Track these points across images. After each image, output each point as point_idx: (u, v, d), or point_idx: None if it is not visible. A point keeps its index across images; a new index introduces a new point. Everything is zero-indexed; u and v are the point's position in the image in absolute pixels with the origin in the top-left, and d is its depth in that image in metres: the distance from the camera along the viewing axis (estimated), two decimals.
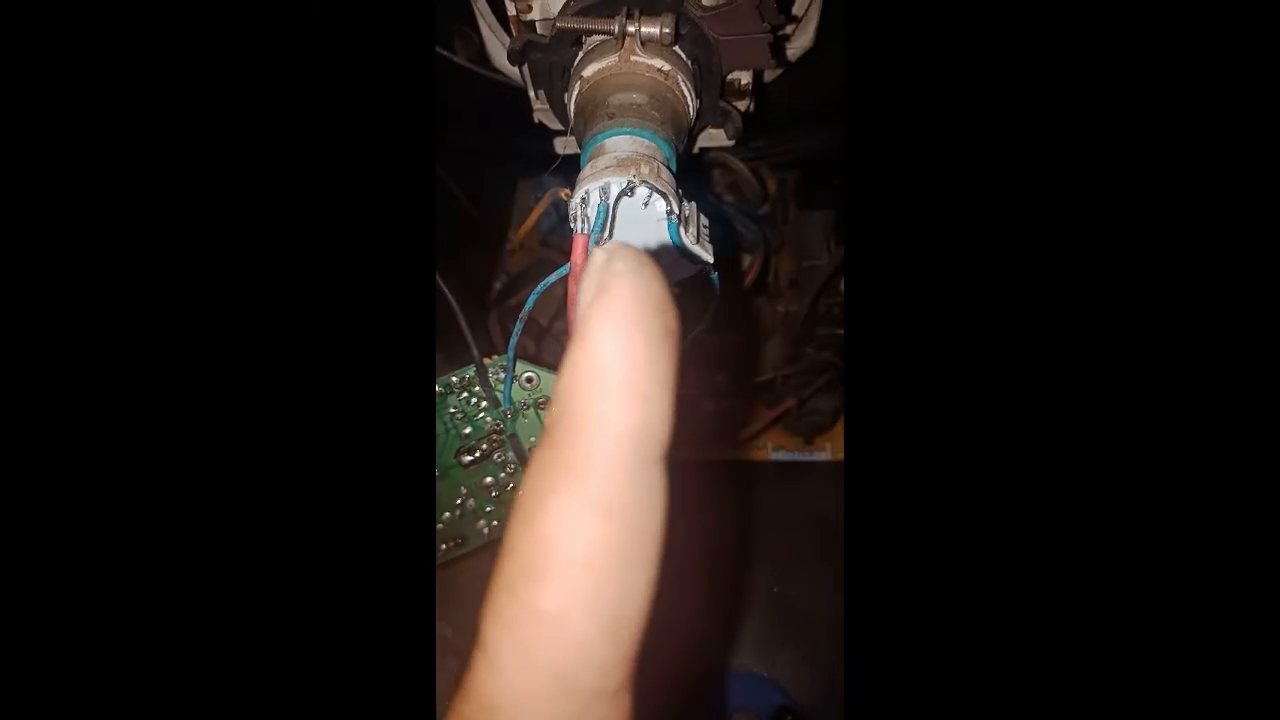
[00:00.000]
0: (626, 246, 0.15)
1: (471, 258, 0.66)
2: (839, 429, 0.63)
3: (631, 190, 0.26)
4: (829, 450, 0.63)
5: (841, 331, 0.61)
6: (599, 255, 0.15)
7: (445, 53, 0.44)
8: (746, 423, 0.71)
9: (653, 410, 0.14)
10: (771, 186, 0.68)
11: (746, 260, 0.64)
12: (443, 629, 0.58)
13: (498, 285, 0.68)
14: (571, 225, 0.28)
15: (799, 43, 0.42)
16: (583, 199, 0.27)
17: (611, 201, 0.27)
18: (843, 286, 0.62)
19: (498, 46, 0.43)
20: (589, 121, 0.30)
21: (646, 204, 0.27)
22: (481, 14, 0.41)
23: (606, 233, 0.28)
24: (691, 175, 0.62)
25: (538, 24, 0.35)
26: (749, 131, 0.39)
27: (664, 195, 0.27)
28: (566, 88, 0.33)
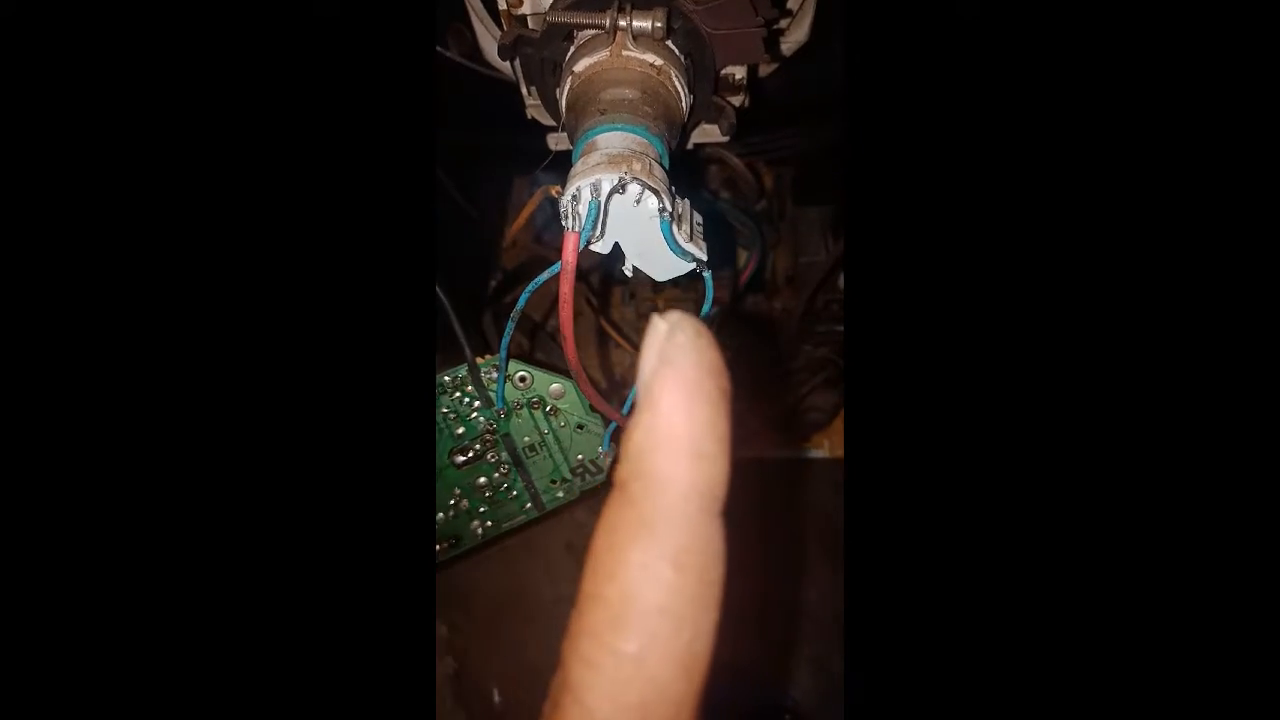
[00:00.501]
0: (686, 317, 0.16)
1: (467, 256, 0.66)
2: (837, 426, 0.62)
3: (623, 187, 0.26)
4: (826, 448, 0.63)
5: (839, 328, 0.61)
6: (661, 326, 0.16)
7: (439, 49, 0.44)
8: (741, 421, 0.70)
9: (714, 468, 0.16)
10: (768, 182, 0.68)
11: (743, 257, 0.64)
12: (439, 629, 0.58)
13: (493, 283, 0.68)
14: (563, 222, 0.27)
15: (794, 37, 0.42)
16: (574, 196, 0.26)
17: (603, 199, 0.26)
18: (841, 283, 0.62)
19: (490, 42, 0.42)
20: (580, 117, 0.30)
21: (638, 201, 0.27)
22: (474, 9, 0.41)
23: (598, 230, 0.28)
24: (687, 171, 0.61)
25: (529, 19, 0.34)
26: (745, 127, 0.39)
27: (656, 192, 0.26)
28: (558, 83, 0.33)
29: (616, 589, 0.15)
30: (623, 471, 0.16)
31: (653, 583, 0.15)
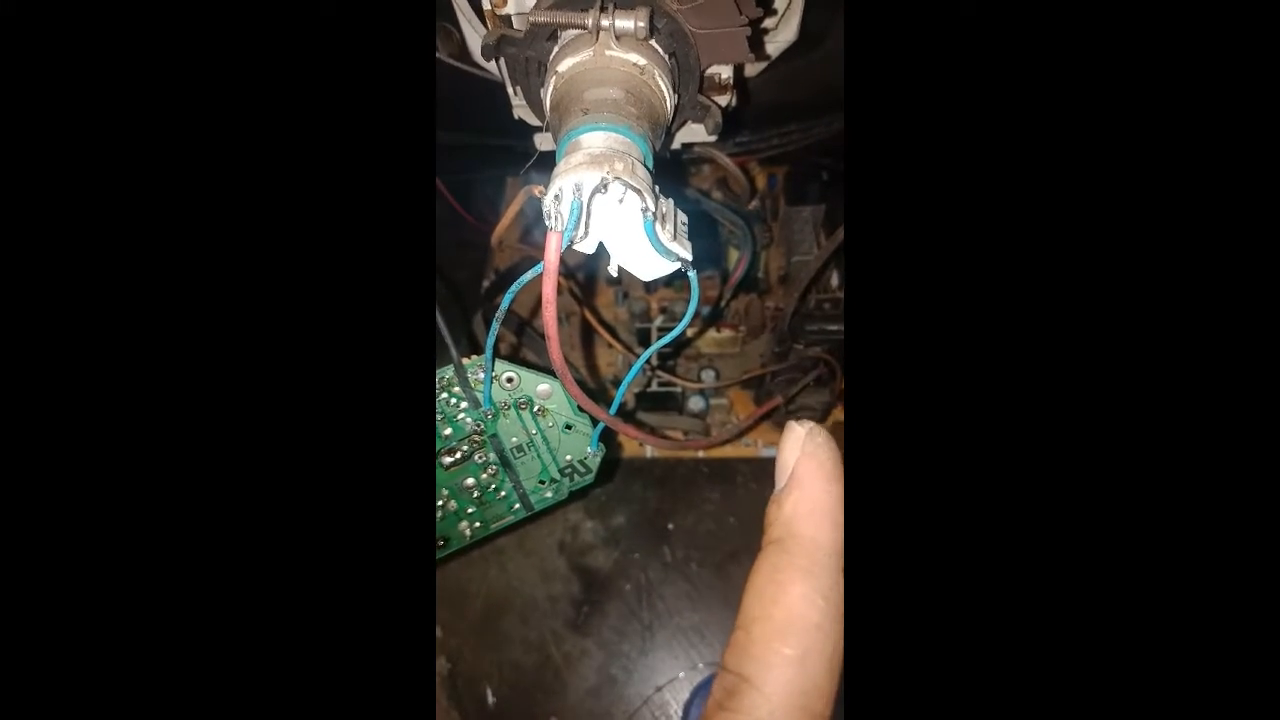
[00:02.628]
0: (819, 427, 0.23)
1: (458, 257, 0.66)
2: (829, 424, 0.62)
3: (605, 187, 0.26)
4: None
5: (831, 327, 0.61)
6: (799, 429, 0.23)
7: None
8: (735, 419, 0.71)
9: (842, 535, 0.21)
10: (760, 182, 0.68)
11: (734, 256, 0.64)
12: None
13: (485, 284, 0.68)
14: (546, 223, 0.27)
15: (782, 37, 0.42)
16: (556, 196, 0.26)
17: (585, 198, 0.26)
18: (833, 281, 0.62)
19: (478, 42, 0.42)
20: (564, 117, 0.29)
21: (621, 200, 0.27)
22: (460, 9, 0.41)
23: (581, 230, 0.28)
24: (676, 171, 0.61)
25: (513, 19, 0.34)
26: (737, 126, 0.39)
27: (638, 192, 0.26)
28: (543, 83, 0.33)
29: (781, 612, 0.21)
30: (777, 530, 0.22)
31: (811, 608, 0.21)
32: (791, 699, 0.20)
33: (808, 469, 0.22)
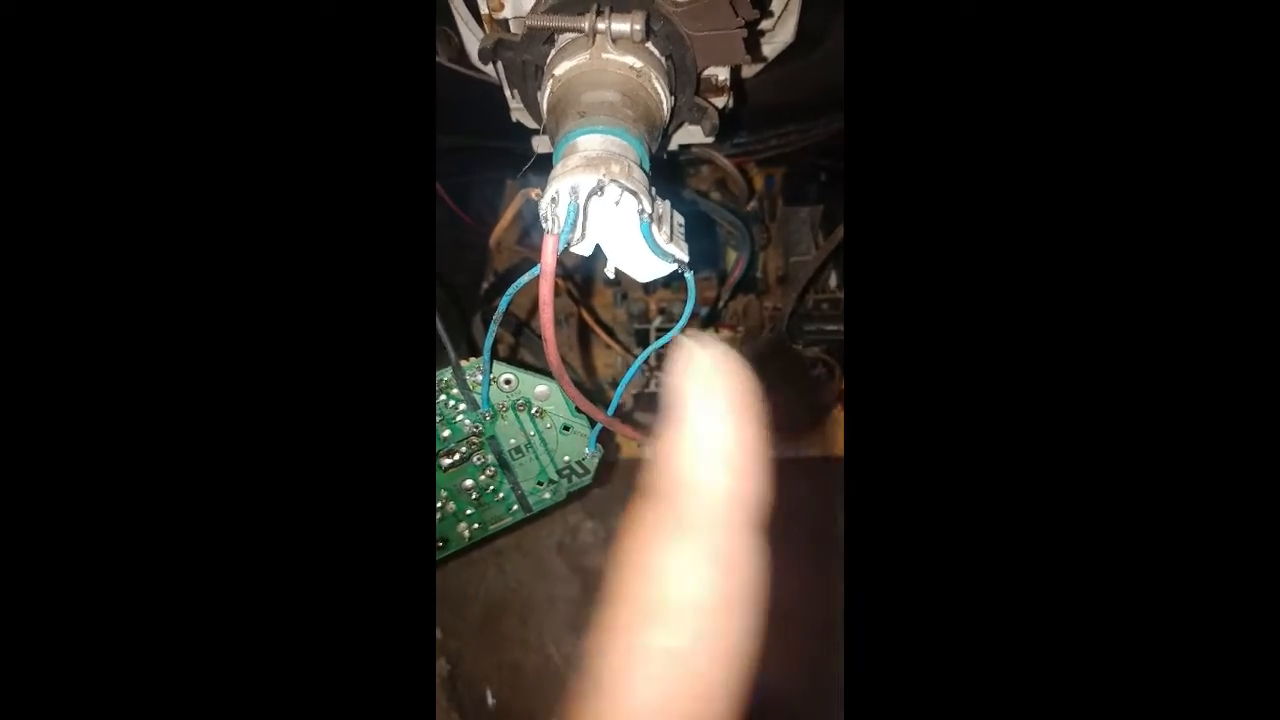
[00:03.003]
0: (715, 340, 0.17)
1: (457, 259, 0.66)
2: (828, 425, 0.62)
3: (601, 189, 0.26)
4: (818, 447, 0.63)
5: (830, 327, 0.61)
6: (692, 347, 0.17)
7: None
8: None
9: (753, 483, 0.16)
10: (758, 183, 0.68)
11: (732, 257, 0.64)
12: None
13: (484, 286, 0.68)
14: (543, 225, 0.27)
15: (779, 38, 0.42)
16: (553, 199, 0.26)
17: (582, 201, 0.26)
18: (831, 282, 0.62)
19: (475, 45, 0.42)
20: (560, 120, 0.30)
21: (618, 203, 0.27)
22: (458, 12, 0.41)
23: (578, 232, 0.28)
24: (673, 173, 0.61)
25: (510, 22, 0.34)
26: (734, 128, 0.39)
27: (635, 194, 0.26)
28: (539, 86, 0.33)
29: (654, 588, 0.16)
30: (659, 480, 0.17)
31: (694, 581, 0.16)
32: (669, 704, 0.16)
33: (699, 400, 0.17)
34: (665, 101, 0.32)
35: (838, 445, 0.65)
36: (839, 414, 0.68)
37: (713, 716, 0.16)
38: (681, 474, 0.16)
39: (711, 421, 0.16)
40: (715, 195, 0.66)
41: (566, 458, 0.38)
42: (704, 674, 0.16)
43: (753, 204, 0.67)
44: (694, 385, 0.17)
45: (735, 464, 0.16)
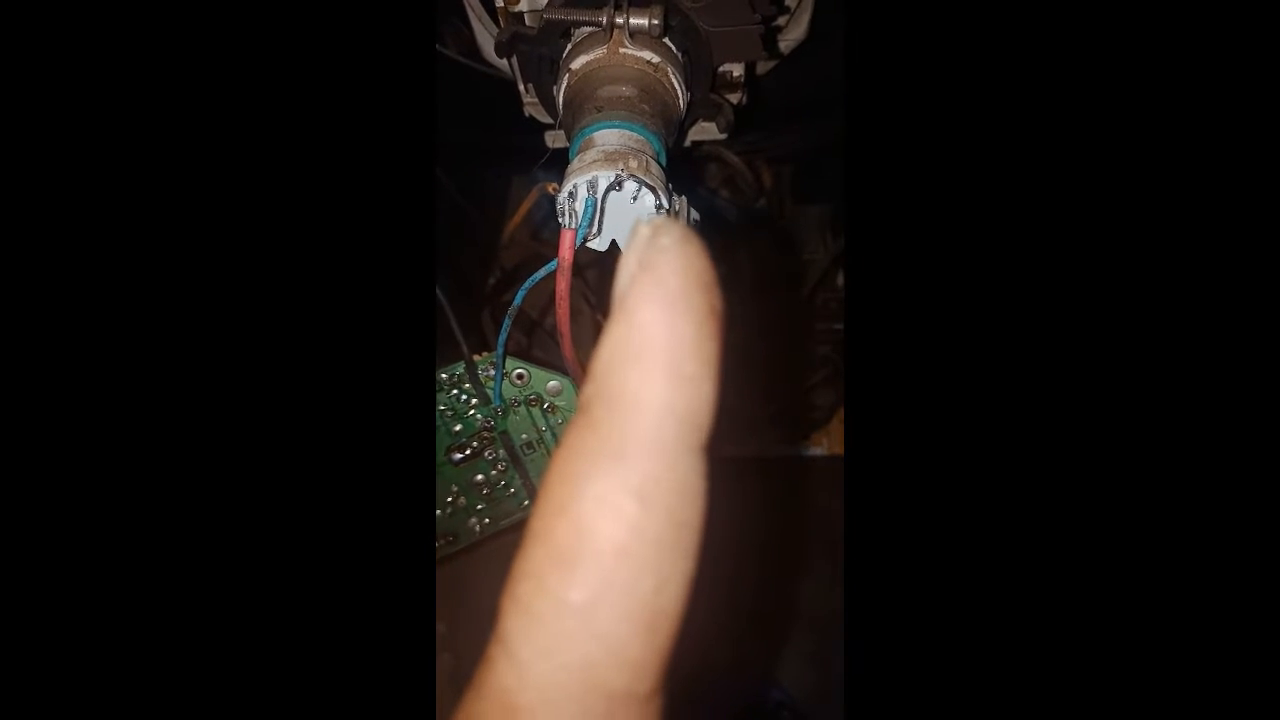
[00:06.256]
0: (673, 221, 0.14)
1: (466, 254, 0.66)
2: (835, 424, 0.62)
3: (619, 184, 0.26)
4: (825, 445, 0.63)
5: (838, 326, 0.61)
6: (644, 229, 0.14)
7: (438, 48, 0.44)
8: (740, 418, 0.71)
9: (697, 393, 0.13)
10: (768, 180, 0.68)
11: None
12: (437, 626, 0.58)
13: (492, 281, 0.68)
14: (559, 220, 0.27)
15: (792, 35, 0.42)
16: (570, 193, 0.26)
17: (599, 195, 0.26)
18: (840, 281, 0.62)
19: (488, 40, 0.42)
20: (577, 115, 0.30)
21: (635, 198, 0.27)
22: (471, 7, 0.41)
23: (595, 227, 0.28)
24: (685, 169, 0.61)
25: (526, 16, 0.34)
26: (744, 125, 0.39)
27: (652, 189, 0.26)
28: (555, 81, 0.33)
29: (568, 525, 0.13)
30: (588, 391, 0.14)
31: (611, 519, 0.13)
32: (564, 677, 0.13)
33: (642, 291, 0.13)
34: (682, 97, 0.32)
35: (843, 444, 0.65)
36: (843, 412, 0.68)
37: (620, 688, 0.13)
38: (610, 384, 0.13)
39: (654, 313, 0.13)
40: (724, 193, 0.66)
41: None
42: (610, 637, 0.13)
43: (761, 201, 0.67)
44: (640, 272, 0.13)
45: (678, 369, 0.13)
